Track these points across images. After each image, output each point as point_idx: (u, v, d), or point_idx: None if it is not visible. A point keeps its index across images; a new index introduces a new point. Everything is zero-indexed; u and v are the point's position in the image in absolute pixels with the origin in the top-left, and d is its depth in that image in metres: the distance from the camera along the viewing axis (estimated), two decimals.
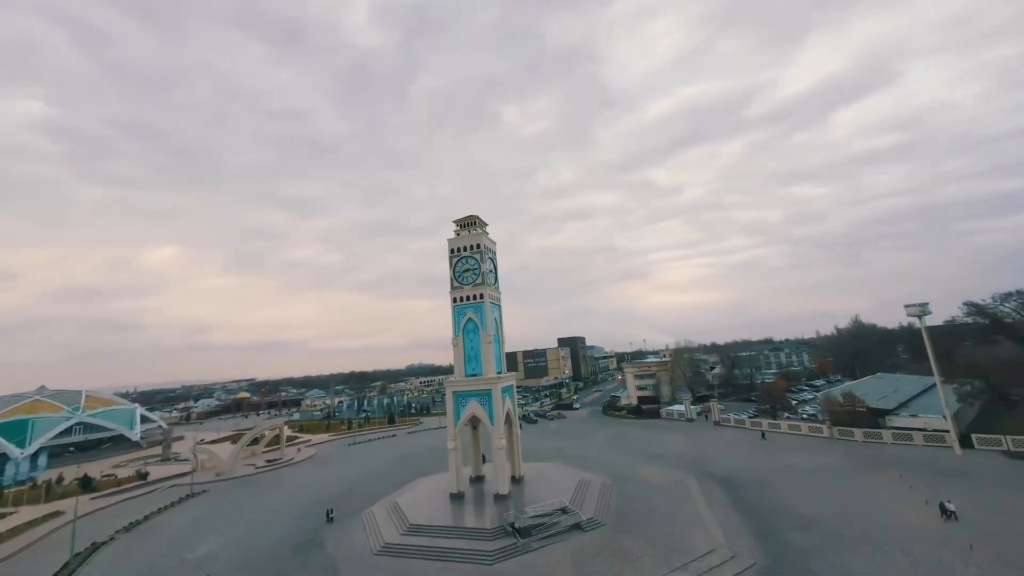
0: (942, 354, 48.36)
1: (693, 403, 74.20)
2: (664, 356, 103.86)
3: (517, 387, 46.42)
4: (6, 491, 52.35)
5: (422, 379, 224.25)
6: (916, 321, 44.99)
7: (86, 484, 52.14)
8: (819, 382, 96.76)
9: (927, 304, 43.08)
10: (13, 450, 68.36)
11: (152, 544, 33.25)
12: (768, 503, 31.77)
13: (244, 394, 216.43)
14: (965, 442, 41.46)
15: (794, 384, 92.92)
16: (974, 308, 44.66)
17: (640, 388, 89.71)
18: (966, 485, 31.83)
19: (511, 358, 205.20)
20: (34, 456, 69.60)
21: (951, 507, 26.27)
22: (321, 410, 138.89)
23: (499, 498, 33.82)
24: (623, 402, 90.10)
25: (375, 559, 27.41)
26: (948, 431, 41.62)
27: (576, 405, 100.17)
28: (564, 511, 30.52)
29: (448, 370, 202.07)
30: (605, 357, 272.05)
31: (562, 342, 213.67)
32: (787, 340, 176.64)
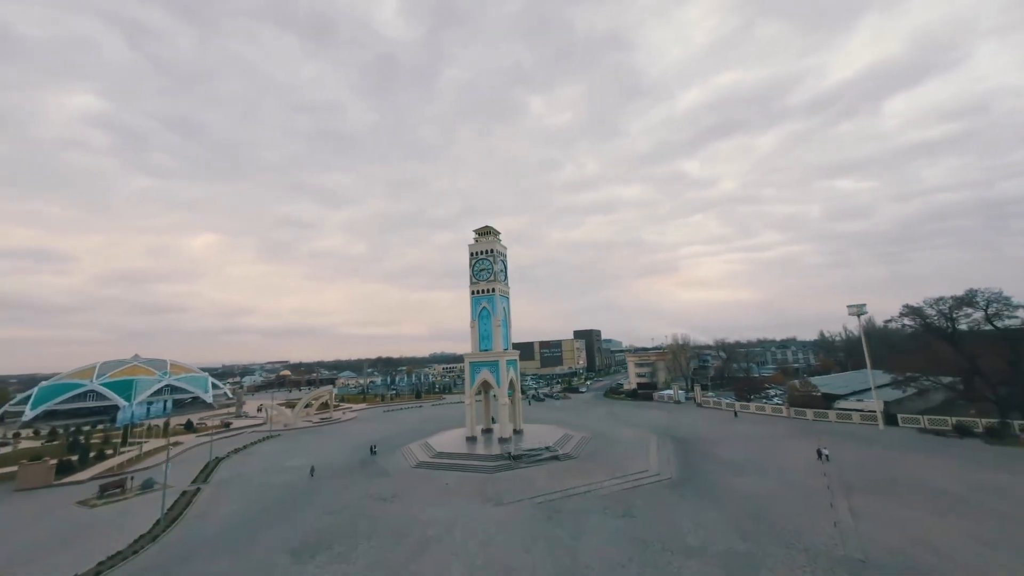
0: (897, 350, 56.25)
1: (690, 390, 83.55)
2: (664, 348, 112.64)
3: (534, 374, 57.77)
4: (133, 430, 68.39)
5: (444, 366, 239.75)
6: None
7: (189, 427, 67.55)
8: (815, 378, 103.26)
9: (864, 305, 51.44)
10: (123, 402, 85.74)
11: (257, 459, 46.94)
12: (702, 451, 42.07)
13: (286, 372, 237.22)
14: (892, 421, 50.00)
15: (791, 378, 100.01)
16: (910, 310, 52.38)
17: (639, 375, 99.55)
18: (863, 446, 41.06)
19: (528, 347, 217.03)
20: (137, 408, 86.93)
21: (825, 451, 36.01)
22: (355, 387, 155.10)
23: (502, 440, 45.49)
24: (625, 387, 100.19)
25: (413, 470, 39.65)
26: (870, 412, 50.27)
27: (583, 389, 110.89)
28: (548, 449, 41.91)
29: None
30: (622, 351, 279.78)
31: (578, 334, 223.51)
32: (793, 339, 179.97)
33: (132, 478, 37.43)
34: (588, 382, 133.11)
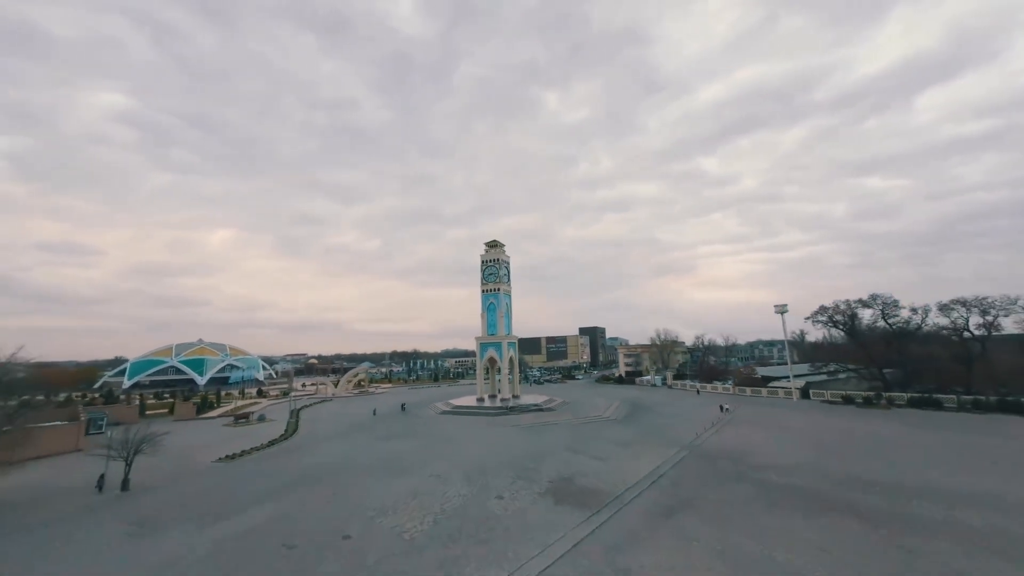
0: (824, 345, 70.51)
1: (675, 379, 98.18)
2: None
3: (540, 367, 73.78)
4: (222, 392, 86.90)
5: (456, 359, 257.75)
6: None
7: (260, 393, 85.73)
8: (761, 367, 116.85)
9: (786, 305, 65.97)
10: (197, 377, 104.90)
11: (324, 411, 64.18)
12: (646, 408, 57.52)
13: (314, 360, 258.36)
14: (806, 395, 64.46)
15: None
16: (821, 309, 66.53)
17: (627, 364, 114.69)
18: (766, 407, 55.87)
19: (535, 342, 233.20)
20: (208, 381, 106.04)
21: (727, 407, 51.23)
22: (379, 373, 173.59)
23: (503, 400, 61.76)
24: (615, 375, 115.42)
25: (437, 416, 56.17)
26: (790, 388, 64.96)
27: (579, 377, 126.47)
28: (535, 405, 57.99)
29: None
30: (637, 354, 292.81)
31: (583, 331, 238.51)
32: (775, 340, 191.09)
33: (252, 414, 54.91)
34: (586, 373, 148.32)
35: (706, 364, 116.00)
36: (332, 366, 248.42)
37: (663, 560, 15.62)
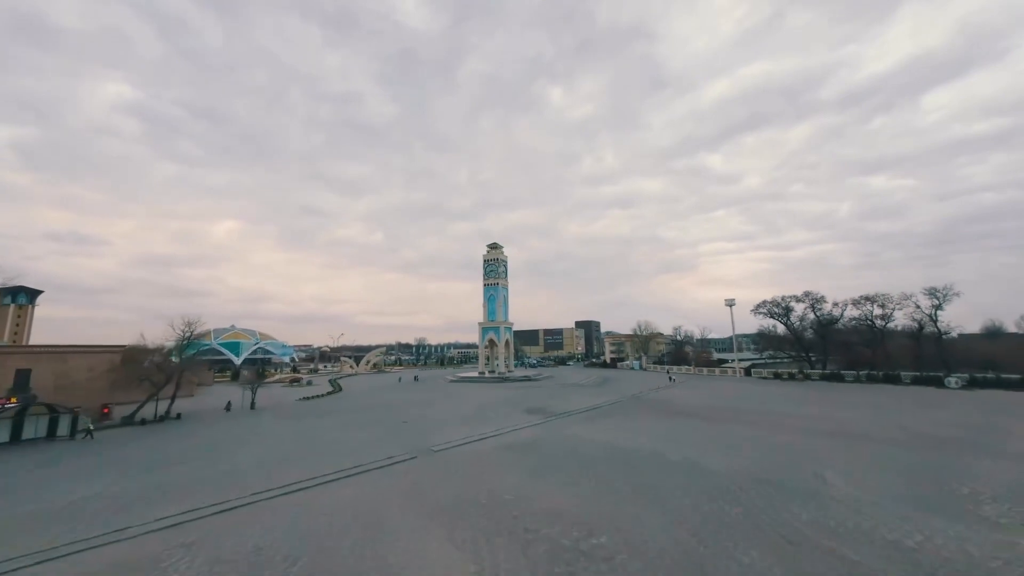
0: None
1: (654, 364, 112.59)
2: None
3: (538, 356, 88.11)
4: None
5: (459, 350, 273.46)
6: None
7: (294, 370, 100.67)
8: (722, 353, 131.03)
9: (734, 299, 79.92)
10: (234, 357, 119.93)
11: (356, 381, 78.86)
12: (615, 380, 71.76)
13: (326, 348, 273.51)
14: (749, 373, 78.61)
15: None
16: (764, 304, 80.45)
17: (612, 351, 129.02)
18: (709, 381, 70.08)
19: (534, 334, 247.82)
20: (243, 362, 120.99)
21: (673, 378, 65.52)
22: (390, 359, 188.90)
23: (499, 373, 76.22)
24: (601, 360, 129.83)
25: (447, 383, 70.62)
26: (736, 368, 79.19)
27: (570, 363, 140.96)
28: (526, 376, 72.45)
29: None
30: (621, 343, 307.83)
31: (579, 324, 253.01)
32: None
33: (302, 379, 69.60)
34: (578, 361, 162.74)
35: (682, 352, 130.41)
36: (343, 354, 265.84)
37: (581, 430, 29.89)
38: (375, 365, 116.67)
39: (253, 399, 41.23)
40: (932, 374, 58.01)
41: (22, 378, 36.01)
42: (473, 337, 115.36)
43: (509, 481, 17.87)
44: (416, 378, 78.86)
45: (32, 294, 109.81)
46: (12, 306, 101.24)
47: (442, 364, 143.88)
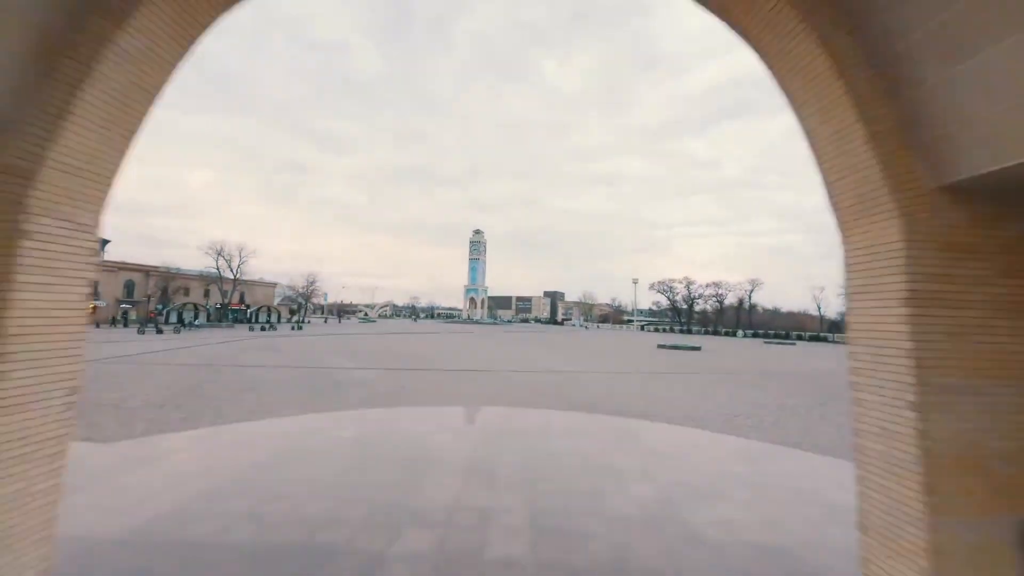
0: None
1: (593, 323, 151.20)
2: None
3: (508, 317, 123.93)
4: None
5: (443, 311, 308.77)
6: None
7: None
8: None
9: (637, 279, 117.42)
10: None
11: (370, 326, 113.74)
12: (545, 332, 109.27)
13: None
14: (642, 329, 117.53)
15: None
16: (656, 283, 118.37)
17: (563, 314, 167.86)
18: (614, 331, 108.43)
19: (507, 300, 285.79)
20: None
21: (584, 324, 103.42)
22: (385, 314, 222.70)
23: (476, 319, 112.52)
24: (555, 321, 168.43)
25: (442, 325, 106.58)
26: (634, 325, 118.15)
27: (531, 322, 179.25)
28: (493, 320, 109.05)
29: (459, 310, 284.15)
30: (571, 308, 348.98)
31: (546, 294, 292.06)
32: None
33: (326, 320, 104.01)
34: (538, 321, 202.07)
35: (611, 315, 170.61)
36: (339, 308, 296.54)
37: (500, 336, 66.11)
38: (381, 314, 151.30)
39: (300, 321, 75.50)
40: (752, 332, 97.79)
41: (130, 286, 68.59)
42: (454, 301, 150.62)
43: (440, 346, 53.80)
44: (415, 320, 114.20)
45: None
46: None
47: (432, 317, 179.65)
